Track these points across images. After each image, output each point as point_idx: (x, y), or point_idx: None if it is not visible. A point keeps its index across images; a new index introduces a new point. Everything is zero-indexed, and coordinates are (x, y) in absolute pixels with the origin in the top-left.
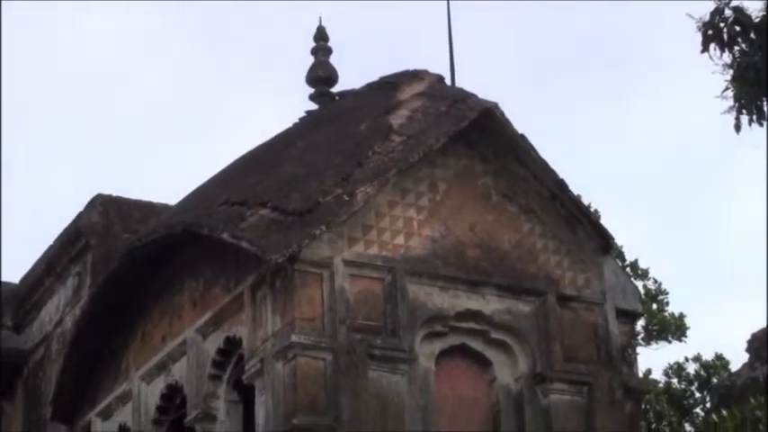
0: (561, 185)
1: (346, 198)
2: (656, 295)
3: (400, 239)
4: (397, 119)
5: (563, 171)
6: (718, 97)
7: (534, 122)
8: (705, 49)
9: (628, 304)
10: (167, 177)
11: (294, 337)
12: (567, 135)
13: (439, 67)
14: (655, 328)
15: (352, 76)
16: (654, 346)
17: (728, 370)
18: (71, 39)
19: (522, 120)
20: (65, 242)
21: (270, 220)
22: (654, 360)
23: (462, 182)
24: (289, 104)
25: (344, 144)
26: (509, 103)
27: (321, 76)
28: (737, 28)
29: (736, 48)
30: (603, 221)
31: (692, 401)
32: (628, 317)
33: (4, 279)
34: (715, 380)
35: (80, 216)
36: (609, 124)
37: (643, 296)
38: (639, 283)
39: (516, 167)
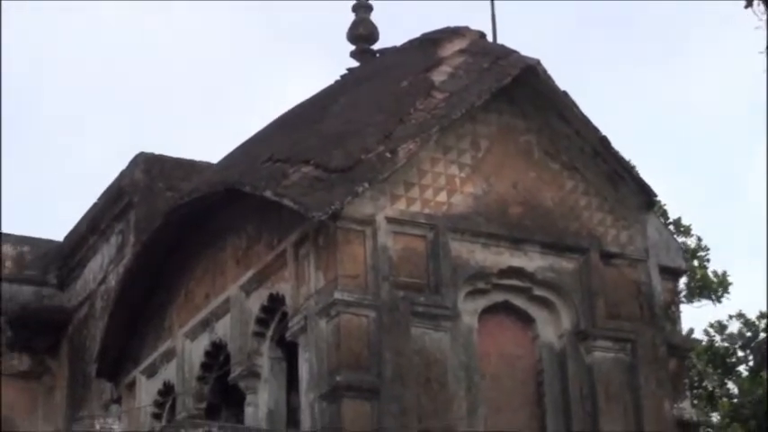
0: (604, 142)
1: (388, 155)
2: (697, 251)
3: (442, 196)
4: (438, 76)
5: (605, 128)
6: (761, 53)
7: (576, 79)
8: (749, 4)
9: (671, 261)
10: (209, 136)
11: (337, 295)
12: (609, 91)
13: (480, 23)
14: (698, 284)
15: (393, 32)
16: (696, 304)
17: None
18: None
19: (564, 76)
20: (108, 200)
21: (312, 177)
22: (696, 318)
23: (504, 139)
24: (330, 62)
25: (386, 101)
26: (551, 60)
27: (362, 33)
28: None
29: None
30: (645, 178)
31: (734, 360)
32: (671, 274)
33: (48, 237)
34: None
35: (123, 174)
36: (651, 80)
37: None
38: (682, 240)
39: (558, 124)
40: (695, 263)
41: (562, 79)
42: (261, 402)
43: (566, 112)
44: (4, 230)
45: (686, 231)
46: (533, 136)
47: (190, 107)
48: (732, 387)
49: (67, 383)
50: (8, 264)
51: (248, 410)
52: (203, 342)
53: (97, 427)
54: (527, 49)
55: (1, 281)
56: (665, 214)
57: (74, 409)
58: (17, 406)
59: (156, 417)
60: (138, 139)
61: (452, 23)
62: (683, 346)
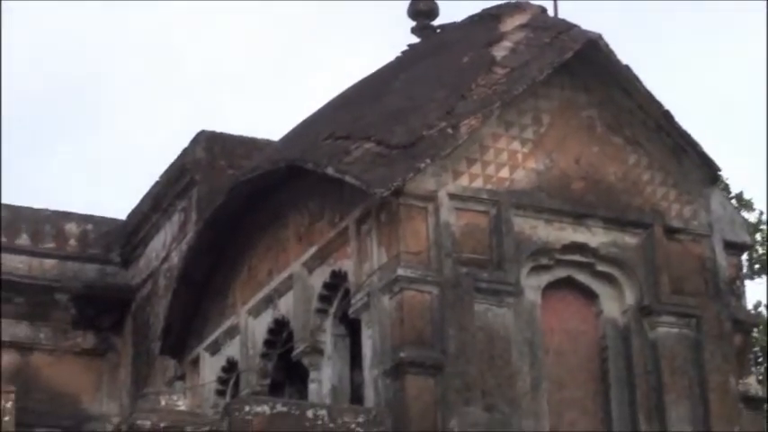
0: (667, 116)
1: (450, 131)
2: (758, 225)
3: (505, 172)
4: (499, 51)
5: (668, 102)
6: None
7: (639, 52)
8: None
9: (735, 236)
10: (271, 113)
11: (400, 271)
12: (672, 65)
13: None
14: (762, 259)
15: (453, 8)
16: (758, 280)
17: None
18: None
19: (626, 50)
20: (170, 178)
21: (374, 153)
22: (759, 293)
23: (566, 114)
24: (391, 38)
25: (447, 77)
26: (612, 34)
27: (422, 9)
28: None
29: None
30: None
31: None
32: (735, 249)
33: (111, 216)
34: None
35: (185, 152)
36: (713, 54)
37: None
38: (745, 215)
39: (621, 98)
40: (757, 237)
41: (624, 53)
42: (324, 379)
43: (628, 86)
44: (69, 209)
45: (748, 206)
46: (595, 110)
47: (251, 85)
48: None
49: (131, 361)
50: (72, 242)
51: (312, 387)
52: (266, 319)
53: (162, 403)
54: (588, 23)
55: (65, 259)
56: (726, 188)
57: (138, 386)
58: (82, 383)
59: (220, 393)
60: (199, 117)
61: None
62: (747, 322)
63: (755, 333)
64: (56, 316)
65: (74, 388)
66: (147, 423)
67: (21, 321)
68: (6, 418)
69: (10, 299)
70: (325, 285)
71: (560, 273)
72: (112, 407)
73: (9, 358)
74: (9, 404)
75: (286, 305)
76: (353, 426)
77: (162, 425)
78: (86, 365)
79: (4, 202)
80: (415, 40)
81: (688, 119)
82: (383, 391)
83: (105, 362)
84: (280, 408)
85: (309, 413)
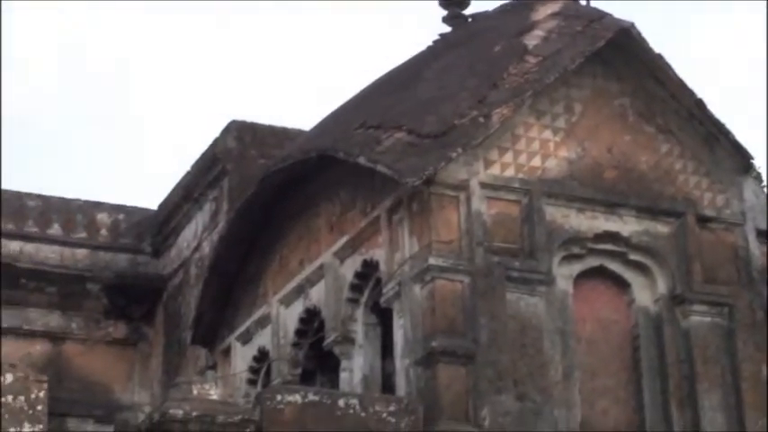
0: (699, 104)
1: (482, 120)
2: None
3: (537, 161)
4: (531, 40)
5: (700, 90)
6: None
7: (670, 41)
8: None
9: None
10: (302, 103)
11: (432, 260)
12: (703, 54)
13: None
14: None
15: None
16: None
17: None
18: None
19: (658, 39)
20: (201, 168)
21: (405, 143)
22: None
23: (598, 102)
24: (422, 27)
25: (479, 66)
26: (644, 22)
27: None
28: None
29: None
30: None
31: None
32: None
33: (142, 206)
34: None
35: (216, 142)
36: (742, 43)
37: None
38: None
39: (653, 87)
40: None
41: (656, 41)
42: (356, 368)
43: (660, 74)
44: (100, 199)
45: None
46: (628, 99)
47: (282, 74)
48: None
49: (163, 350)
50: (103, 232)
51: (343, 376)
52: (298, 308)
53: (194, 392)
54: (620, 12)
55: (97, 249)
56: (759, 177)
57: (169, 375)
58: (113, 373)
59: (252, 383)
60: (230, 106)
61: None
62: None
63: None
64: (87, 306)
65: (106, 377)
66: (180, 412)
67: (53, 311)
68: (39, 407)
69: (42, 288)
70: (357, 275)
71: (592, 262)
72: (144, 396)
73: (41, 348)
74: (42, 393)
75: (317, 294)
76: (385, 415)
77: (194, 414)
78: (118, 355)
79: (35, 191)
80: (446, 29)
81: (720, 108)
82: (415, 380)
83: (137, 351)
84: (311, 397)
85: (341, 402)
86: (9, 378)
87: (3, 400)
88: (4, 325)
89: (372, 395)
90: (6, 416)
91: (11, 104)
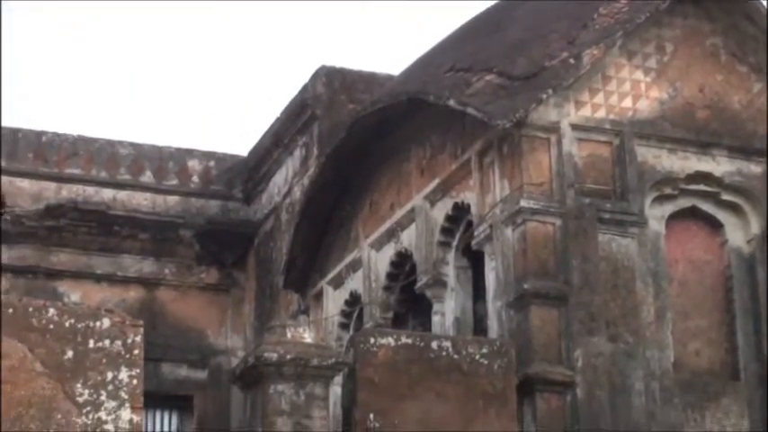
0: None
1: (572, 61)
2: None
3: (628, 102)
4: None
5: None
6: None
7: None
8: None
9: None
10: (390, 47)
11: (523, 203)
12: None
13: None
14: None
15: None
16: None
17: None
18: None
19: None
20: (291, 114)
21: (495, 85)
22: None
23: (690, 42)
24: None
25: (569, 7)
26: None
27: None
28: None
29: None
30: None
31: None
32: None
33: (233, 152)
34: None
35: (306, 88)
36: None
37: None
38: None
39: (746, 26)
40: None
41: None
42: (447, 311)
43: (753, 13)
44: (191, 146)
45: None
46: (720, 38)
47: (371, 19)
48: None
49: (255, 295)
50: (194, 179)
51: (435, 319)
52: (389, 252)
53: (288, 335)
54: None
55: (188, 196)
56: None
57: (261, 320)
58: (206, 318)
59: (344, 326)
60: (320, 52)
61: None
62: None
63: None
64: (180, 252)
65: (199, 322)
66: (274, 355)
67: (146, 257)
68: (135, 352)
69: (135, 235)
70: (448, 218)
71: (684, 202)
72: (237, 341)
73: (135, 294)
74: (138, 338)
75: (408, 238)
76: (478, 357)
77: (288, 357)
78: (211, 300)
79: (127, 139)
80: None
81: None
82: (507, 322)
83: (229, 297)
84: (404, 340)
85: (434, 345)
86: (106, 323)
87: (100, 344)
88: (99, 271)
89: (465, 338)
90: (104, 360)
91: (104, 52)
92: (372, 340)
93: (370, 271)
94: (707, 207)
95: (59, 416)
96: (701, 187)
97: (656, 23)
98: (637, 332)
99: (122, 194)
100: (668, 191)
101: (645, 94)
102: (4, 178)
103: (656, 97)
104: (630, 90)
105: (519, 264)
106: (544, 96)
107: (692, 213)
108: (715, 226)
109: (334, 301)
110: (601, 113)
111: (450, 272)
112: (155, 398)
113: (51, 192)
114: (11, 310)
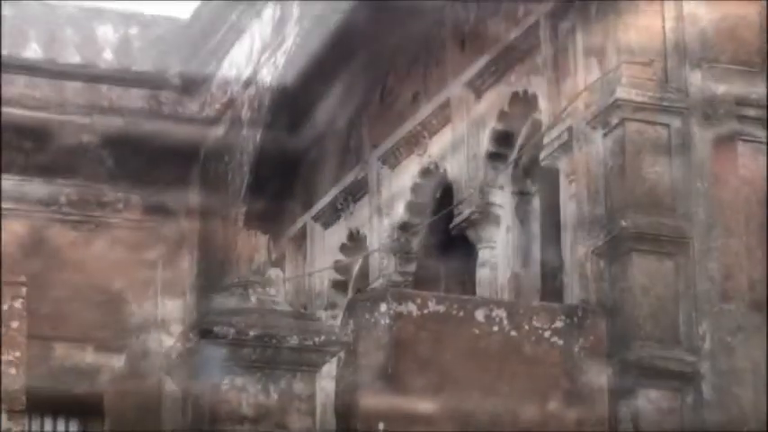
0: None
1: None
2: None
3: None
4: None
5: None
6: None
7: None
8: None
9: None
10: None
11: (621, 92)
12: None
13: None
14: None
15: None
16: None
17: None
18: None
19: None
20: None
21: None
22: None
23: None
24: None
25: None
26: None
27: None
28: None
29: None
30: None
31: None
32: None
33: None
34: None
35: None
36: None
37: None
38: None
39: None
40: None
41: None
42: (500, 261)
43: None
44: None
45: None
46: None
47: None
48: None
49: (199, 239)
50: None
51: (482, 274)
52: (410, 170)
53: (252, 300)
54: None
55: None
56: None
57: (210, 277)
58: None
59: (339, 286)
60: None
61: None
62: None
63: None
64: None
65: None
66: (231, 330)
67: None
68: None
69: None
70: (502, 116)
71: None
72: (172, 308)
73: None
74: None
75: (440, 148)
76: (548, 333)
77: (252, 333)
78: (132, 245)
79: None
80: None
81: None
82: (594, 279)
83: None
84: (433, 306)
85: (479, 314)
86: None
87: None
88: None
89: (528, 304)
90: None
91: None
92: (384, 308)
93: (381, 199)
94: None
95: None
96: None
97: None
98: None
99: None
100: None
101: None
102: None
103: None
104: None
105: (614, 188)
106: None
107: None
108: None
109: (323, 247)
110: None
111: (505, 201)
112: (45, 399)
113: None
114: None
